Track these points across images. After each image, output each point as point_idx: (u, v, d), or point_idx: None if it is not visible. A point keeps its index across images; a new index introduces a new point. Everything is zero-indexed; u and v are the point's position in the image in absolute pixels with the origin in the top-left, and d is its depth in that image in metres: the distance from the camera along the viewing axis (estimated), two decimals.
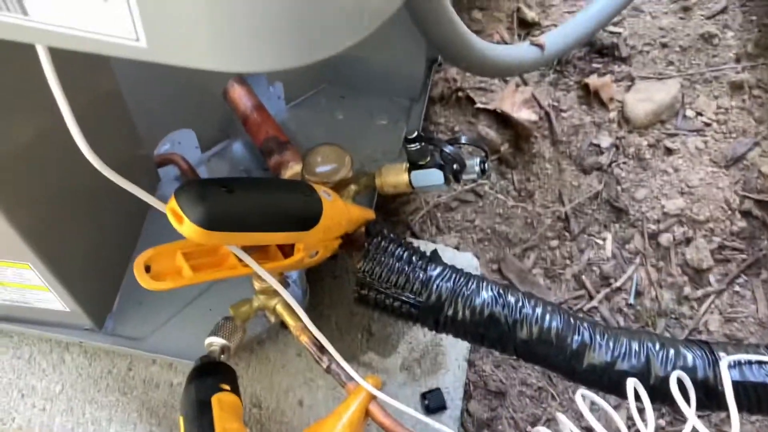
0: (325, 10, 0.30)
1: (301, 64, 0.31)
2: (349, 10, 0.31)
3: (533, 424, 0.92)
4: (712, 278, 1.02)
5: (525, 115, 1.14)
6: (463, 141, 0.71)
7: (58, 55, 0.38)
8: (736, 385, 0.59)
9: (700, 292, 1.01)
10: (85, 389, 0.77)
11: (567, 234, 1.08)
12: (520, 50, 0.94)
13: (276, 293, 0.70)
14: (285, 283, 0.75)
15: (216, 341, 0.67)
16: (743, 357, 0.61)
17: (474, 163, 0.72)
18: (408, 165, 0.74)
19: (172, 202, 0.51)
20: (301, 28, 0.30)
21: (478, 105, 1.16)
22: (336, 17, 0.31)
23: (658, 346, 0.63)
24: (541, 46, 0.96)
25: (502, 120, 1.16)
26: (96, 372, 0.78)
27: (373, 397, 0.66)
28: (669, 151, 1.12)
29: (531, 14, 1.29)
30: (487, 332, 0.65)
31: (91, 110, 0.68)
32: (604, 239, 1.07)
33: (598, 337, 0.64)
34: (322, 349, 0.68)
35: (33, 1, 0.31)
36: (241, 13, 0.29)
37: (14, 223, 0.58)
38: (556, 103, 1.20)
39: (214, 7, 0.29)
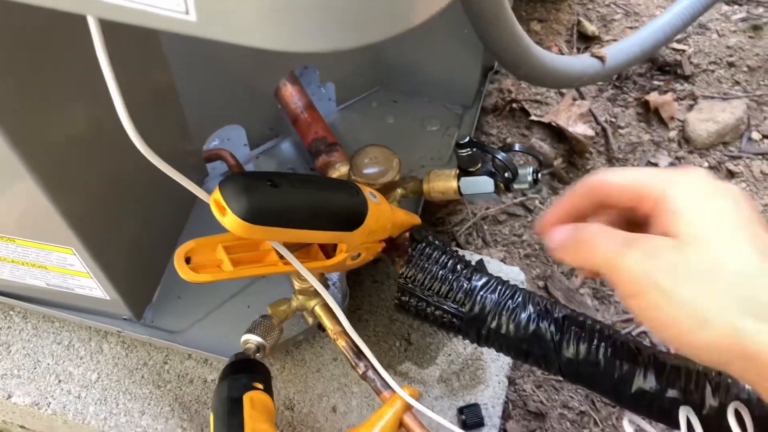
0: None
1: (353, 46, 0.30)
2: None
3: None
4: None
5: (581, 129, 1.11)
6: (516, 148, 0.69)
7: (115, 45, 0.38)
8: None
9: None
10: (120, 379, 0.77)
11: None
12: (581, 61, 0.91)
13: (315, 294, 0.69)
14: (325, 285, 0.74)
15: (252, 339, 0.66)
16: None
17: (527, 173, 0.69)
18: (458, 171, 0.72)
19: (216, 194, 0.50)
20: (355, 8, 0.29)
21: (533, 117, 1.14)
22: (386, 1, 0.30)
23: (713, 374, 0.59)
24: (602, 59, 0.92)
25: (556, 133, 1.13)
26: (132, 363, 0.78)
27: (409, 408, 0.64)
28: (731, 174, 1.07)
29: (591, 28, 1.26)
30: (532, 348, 0.62)
31: (145, 102, 0.68)
32: None
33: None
34: (359, 354, 0.66)
35: None
36: None
37: (61, 207, 0.58)
38: (613, 119, 1.16)
39: None
